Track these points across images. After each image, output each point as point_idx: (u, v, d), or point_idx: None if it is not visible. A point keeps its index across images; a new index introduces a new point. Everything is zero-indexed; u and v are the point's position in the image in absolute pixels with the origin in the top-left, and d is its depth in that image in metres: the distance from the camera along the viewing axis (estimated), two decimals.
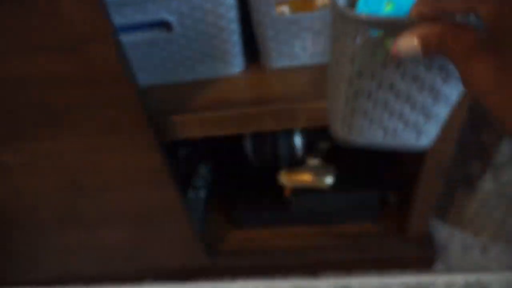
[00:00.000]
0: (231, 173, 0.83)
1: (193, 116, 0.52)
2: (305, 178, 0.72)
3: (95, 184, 0.59)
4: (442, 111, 0.31)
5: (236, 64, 0.57)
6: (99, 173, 0.57)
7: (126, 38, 0.53)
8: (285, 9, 0.52)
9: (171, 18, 0.51)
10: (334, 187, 0.72)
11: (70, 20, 0.40)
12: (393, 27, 0.24)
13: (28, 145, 0.53)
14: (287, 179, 0.74)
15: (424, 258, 0.74)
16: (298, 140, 0.73)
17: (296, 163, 0.76)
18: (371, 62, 0.27)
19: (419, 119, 0.31)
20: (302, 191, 0.74)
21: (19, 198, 0.62)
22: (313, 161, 0.73)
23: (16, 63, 0.43)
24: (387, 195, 0.74)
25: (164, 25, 0.53)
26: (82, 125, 0.50)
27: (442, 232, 0.81)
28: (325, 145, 0.76)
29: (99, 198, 0.61)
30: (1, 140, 0.53)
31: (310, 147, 0.77)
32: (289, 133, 0.71)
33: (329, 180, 0.71)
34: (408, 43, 0.23)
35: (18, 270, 0.80)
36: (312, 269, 0.76)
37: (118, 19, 0.51)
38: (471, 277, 0.73)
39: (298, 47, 0.55)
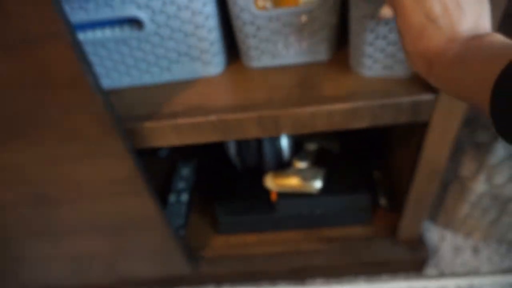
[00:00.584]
0: (214, 175, 0.79)
1: (167, 122, 0.47)
2: (292, 182, 0.68)
3: (64, 195, 0.54)
4: None
5: (215, 64, 0.52)
6: (67, 184, 0.52)
7: (92, 36, 0.48)
8: (266, 3, 0.48)
9: (141, 14, 0.45)
10: (322, 189, 0.69)
11: (17, 17, 0.34)
12: None
13: None
14: (274, 183, 0.70)
15: (415, 261, 0.72)
16: (284, 142, 0.69)
17: (282, 166, 0.72)
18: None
19: None
20: (289, 195, 0.70)
21: None
22: (301, 164, 0.70)
23: None
24: (377, 198, 0.71)
25: (135, 22, 0.47)
26: (41, 134, 0.45)
27: (433, 233, 0.79)
28: (312, 147, 0.72)
29: (70, 209, 0.56)
30: None
31: (297, 149, 0.73)
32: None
33: (318, 184, 0.68)
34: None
35: None
36: (300, 275, 0.73)
37: (81, 15, 0.46)
38: (463, 281, 0.71)
39: (281, 45, 0.50)
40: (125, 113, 0.49)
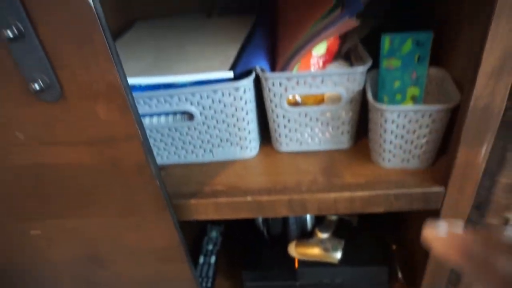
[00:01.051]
0: (240, 239, 0.84)
1: (210, 201, 0.54)
2: (314, 252, 0.73)
3: (114, 257, 0.61)
4: None
5: (250, 149, 0.60)
6: (118, 248, 0.59)
7: (149, 122, 0.57)
8: (296, 101, 0.57)
9: (193, 109, 0.55)
10: (343, 260, 0.73)
11: (104, 121, 0.44)
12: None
13: (56, 222, 0.56)
14: (297, 251, 0.75)
15: None
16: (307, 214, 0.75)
17: (305, 235, 0.78)
18: None
19: None
20: (311, 263, 0.75)
21: (42, 267, 0.64)
22: (322, 235, 0.75)
23: (55, 152, 0.47)
24: (394, 271, 0.75)
25: (187, 113, 0.57)
26: (105, 207, 0.53)
27: None
28: (333, 218, 0.78)
29: (116, 269, 0.63)
30: (33, 217, 0.56)
31: (319, 220, 0.79)
32: None
33: (338, 254, 0.72)
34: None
35: None
36: None
37: (145, 109, 0.55)
38: None
39: (307, 135, 0.58)
40: (173, 189, 0.56)
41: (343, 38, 0.57)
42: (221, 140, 0.59)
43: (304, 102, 0.58)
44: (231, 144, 0.59)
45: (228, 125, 0.57)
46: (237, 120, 0.56)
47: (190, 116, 0.57)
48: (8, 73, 0.40)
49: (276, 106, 0.55)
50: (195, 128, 0.57)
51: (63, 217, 0.55)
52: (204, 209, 0.55)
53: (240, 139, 0.58)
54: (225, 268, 0.84)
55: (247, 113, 0.56)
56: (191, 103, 0.54)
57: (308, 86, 0.53)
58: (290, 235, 0.78)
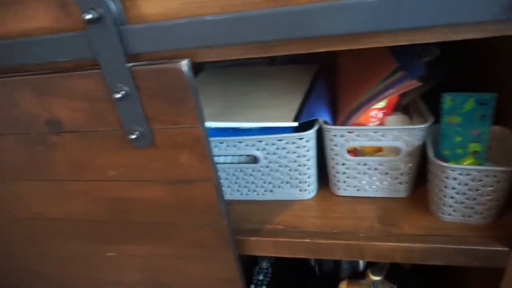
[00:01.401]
0: (291, 272, 0.87)
1: (270, 239, 0.58)
2: None
3: (176, 284, 0.66)
4: None
5: (309, 191, 0.64)
6: (180, 276, 0.64)
7: (216, 160, 0.63)
8: (355, 149, 0.60)
9: (259, 154, 0.60)
10: None
11: (185, 166, 0.49)
12: None
13: (130, 248, 0.63)
14: None
15: None
16: None
17: (357, 275, 0.78)
18: None
19: None
20: None
21: (114, 285, 0.71)
22: (375, 277, 0.76)
23: (139, 188, 0.54)
24: None
25: (252, 157, 0.62)
26: (175, 238, 0.59)
27: None
28: (385, 262, 0.78)
29: None
30: (111, 240, 0.63)
31: (372, 262, 0.79)
32: None
33: None
34: None
35: None
36: None
37: (215, 150, 0.61)
38: None
39: (365, 182, 0.61)
40: (235, 225, 0.61)
41: (403, 92, 0.59)
42: (281, 182, 0.63)
43: (363, 151, 0.60)
44: (291, 186, 0.63)
45: (289, 169, 0.61)
46: (299, 165, 0.60)
47: (255, 159, 0.62)
48: (112, 124, 0.48)
49: (336, 154, 0.58)
50: (258, 170, 0.62)
51: (137, 244, 0.62)
52: (263, 246, 0.59)
53: (300, 182, 0.62)
54: None
55: (308, 160, 0.60)
56: (257, 148, 0.59)
57: (368, 139, 0.56)
58: (341, 274, 0.79)
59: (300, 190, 0.63)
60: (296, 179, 0.62)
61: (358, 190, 0.62)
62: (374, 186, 0.61)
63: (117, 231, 0.61)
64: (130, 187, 0.54)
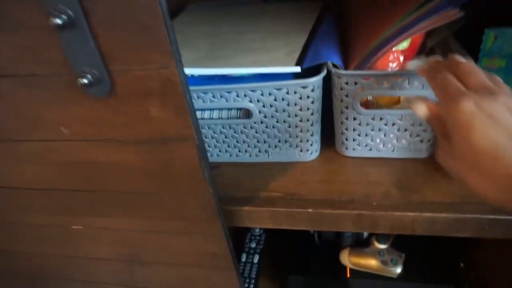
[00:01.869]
0: (286, 240, 0.79)
1: (265, 209, 0.49)
2: (371, 263, 0.67)
3: (156, 260, 0.57)
4: None
5: (311, 151, 0.53)
6: (161, 251, 0.55)
7: (201, 115, 0.52)
8: (367, 101, 0.49)
9: (252, 107, 0.49)
10: (403, 275, 0.66)
11: (157, 121, 0.38)
12: None
13: (99, 220, 0.53)
14: (350, 260, 0.69)
15: None
16: None
17: (360, 243, 0.71)
18: None
19: None
20: (365, 275, 0.68)
21: (82, 261, 0.62)
22: (380, 245, 0.68)
23: (101, 150, 0.43)
24: None
25: (244, 111, 0.51)
26: (152, 210, 0.49)
27: None
28: None
29: (157, 271, 0.59)
30: (77, 212, 0.53)
31: None
32: None
33: (398, 269, 0.65)
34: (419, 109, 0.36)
35: None
36: None
37: (198, 102, 0.50)
38: None
39: (379, 140, 0.51)
40: (224, 193, 0.51)
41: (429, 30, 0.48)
42: (279, 141, 0.52)
43: (377, 103, 0.50)
44: (290, 145, 0.53)
45: (289, 125, 0.50)
46: (301, 120, 0.49)
47: (247, 113, 0.51)
48: (56, 65, 0.35)
49: (347, 107, 0.48)
50: (251, 127, 0.51)
51: (106, 216, 0.52)
52: (258, 218, 0.50)
53: (301, 140, 0.52)
54: (269, 270, 0.80)
55: (312, 113, 0.49)
56: (250, 100, 0.48)
57: (389, 87, 0.45)
58: (343, 242, 0.71)
59: (301, 150, 0.53)
60: (297, 137, 0.51)
61: (370, 149, 0.52)
62: (389, 145, 0.51)
63: (80, 202, 0.51)
64: (89, 148, 0.43)
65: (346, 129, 0.51)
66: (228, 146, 0.55)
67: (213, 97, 0.49)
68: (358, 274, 0.69)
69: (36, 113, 0.41)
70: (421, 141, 0.49)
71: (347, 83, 0.46)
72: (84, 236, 0.57)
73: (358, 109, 0.48)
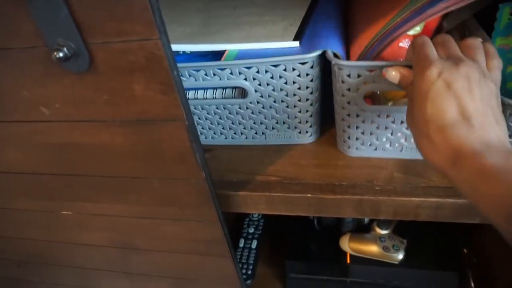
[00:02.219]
0: (285, 225, 0.77)
1: (261, 194, 0.46)
2: (372, 249, 0.65)
3: (149, 246, 0.55)
4: None
5: (310, 133, 0.50)
6: (155, 238, 0.53)
7: (193, 96, 0.49)
8: (373, 99, 0.45)
9: (248, 85, 0.45)
10: (404, 261, 0.64)
11: (143, 101, 0.35)
12: None
13: (87, 205, 0.50)
14: (350, 246, 0.67)
15: None
16: None
17: (361, 229, 0.69)
18: None
19: None
20: (366, 261, 0.66)
21: (74, 248, 0.60)
22: (381, 231, 0.66)
23: (84, 131, 0.40)
24: (465, 279, 0.65)
25: (239, 88, 0.47)
26: (141, 195, 0.46)
27: None
28: None
29: (151, 257, 0.58)
30: (64, 197, 0.50)
31: None
32: None
33: (399, 255, 0.63)
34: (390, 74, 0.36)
35: None
36: None
37: (190, 81, 0.46)
38: None
39: (385, 139, 0.46)
40: (218, 176, 0.48)
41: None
42: (276, 122, 0.49)
43: (383, 97, 0.46)
44: (288, 127, 0.50)
45: (287, 105, 0.47)
46: (299, 99, 0.46)
47: (243, 93, 0.47)
48: (29, 37, 0.32)
49: (349, 103, 0.43)
50: (247, 107, 0.48)
51: (95, 201, 0.49)
52: (254, 203, 0.47)
53: (299, 121, 0.49)
54: (267, 255, 0.78)
55: (311, 92, 0.45)
56: (245, 78, 0.45)
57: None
58: (343, 227, 0.69)
59: (299, 132, 0.50)
60: (296, 118, 0.48)
61: (375, 149, 0.47)
62: (397, 145, 0.46)
63: (67, 187, 0.48)
64: (72, 130, 0.40)
65: (349, 127, 0.45)
66: (223, 128, 0.52)
67: (206, 75, 0.45)
68: (359, 260, 0.67)
69: (13, 92, 0.38)
70: None
71: (349, 76, 0.40)
72: (74, 222, 0.55)
73: (362, 105, 0.42)
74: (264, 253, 0.78)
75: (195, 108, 0.50)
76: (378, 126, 0.44)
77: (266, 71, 0.43)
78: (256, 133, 0.51)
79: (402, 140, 0.45)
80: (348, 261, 0.67)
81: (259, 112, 0.48)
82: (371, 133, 0.45)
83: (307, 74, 0.43)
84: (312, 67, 0.43)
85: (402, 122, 0.43)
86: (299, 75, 0.43)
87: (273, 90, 0.45)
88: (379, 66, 0.38)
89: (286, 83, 0.44)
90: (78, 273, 0.67)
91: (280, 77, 0.44)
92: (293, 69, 0.43)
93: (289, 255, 0.70)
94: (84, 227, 0.55)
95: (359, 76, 0.40)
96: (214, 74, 0.45)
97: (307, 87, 0.45)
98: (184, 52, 0.47)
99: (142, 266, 0.60)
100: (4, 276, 0.74)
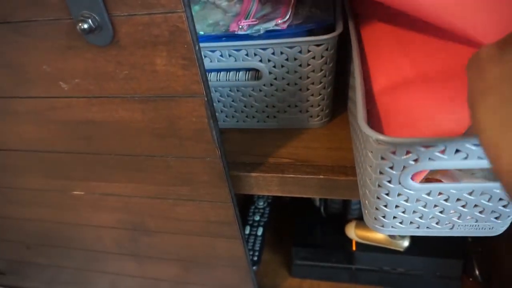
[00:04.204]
0: (292, 212, 0.78)
1: (275, 175, 0.47)
2: (377, 237, 0.65)
3: (160, 228, 0.56)
4: None
5: (322, 117, 0.51)
6: (166, 218, 0.53)
7: (209, 78, 0.49)
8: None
9: (261, 66, 0.46)
10: (410, 248, 0.65)
11: (164, 75, 0.36)
12: None
13: (100, 185, 0.51)
14: (356, 233, 0.67)
15: None
16: None
17: None
18: None
19: None
20: (371, 248, 0.67)
21: (84, 229, 0.60)
22: None
23: (103, 107, 0.40)
24: (469, 267, 0.66)
25: (252, 70, 0.48)
26: (156, 175, 0.47)
27: None
28: None
29: (162, 239, 0.58)
30: (76, 178, 0.51)
31: None
32: None
33: (405, 243, 0.64)
34: None
35: None
36: None
37: (206, 62, 0.47)
38: None
39: (433, 217, 0.38)
40: (231, 158, 0.49)
41: None
42: (289, 105, 0.50)
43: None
44: (300, 110, 0.50)
45: (300, 88, 0.47)
46: (313, 82, 0.47)
47: (256, 74, 0.48)
48: (53, 9, 0.32)
49: (390, 181, 0.33)
50: (260, 90, 0.49)
51: (108, 181, 0.50)
52: (266, 184, 0.48)
53: (312, 105, 0.49)
54: (273, 242, 0.79)
55: (325, 75, 0.46)
56: (261, 59, 0.45)
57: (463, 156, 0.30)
58: (349, 214, 0.70)
59: (311, 116, 0.51)
60: (308, 101, 0.49)
61: (417, 227, 0.39)
62: (447, 222, 0.38)
63: (81, 165, 0.49)
64: (90, 106, 0.40)
65: (385, 206, 0.36)
66: (235, 111, 0.52)
67: (221, 56, 0.46)
68: (364, 247, 0.68)
69: (34, 66, 0.38)
70: (497, 217, 0.37)
71: (394, 153, 0.30)
72: (85, 202, 0.55)
73: (408, 185, 0.33)
74: (270, 240, 0.79)
75: None
76: (425, 205, 0.36)
77: (282, 53, 0.44)
78: (268, 117, 0.52)
79: (455, 218, 0.37)
80: (354, 248, 0.68)
81: (272, 95, 0.49)
82: (414, 212, 0.37)
83: (322, 57, 0.44)
84: (327, 49, 0.43)
85: (458, 199, 0.35)
86: (313, 57, 0.44)
87: (287, 72, 0.46)
88: (440, 143, 0.29)
89: (300, 65, 0.45)
90: (86, 255, 0.68)
91: (295, 59, 0.44)
92: (308, 51, 0.43)
93: (295, 242, 0.71)
94: (96, 207, 0.56)
95: (408, 153, 0.30)
96: (230, 55, 0.46)
97: (321, 70, 0.45)
98: (199, 33, 0.47)
99: (152, 248, 0.60)
100: (13, 259, 0.75)
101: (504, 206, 0.35)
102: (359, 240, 0.68)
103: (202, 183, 0.46)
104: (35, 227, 0.64)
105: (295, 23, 0.45)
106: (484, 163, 0.30)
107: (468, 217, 0.37)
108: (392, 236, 0.65)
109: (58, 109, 0.42)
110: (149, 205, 0.52)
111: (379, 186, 0.34)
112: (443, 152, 0.29)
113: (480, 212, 0.36)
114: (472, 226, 0.38)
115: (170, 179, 0.47)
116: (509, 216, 0.37)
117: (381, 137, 0.29)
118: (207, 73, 0.49)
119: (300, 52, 0.44)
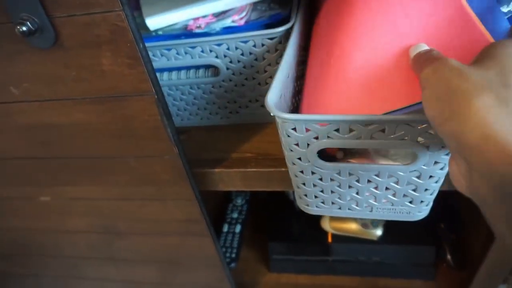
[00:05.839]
0: (268, 208, 0.78)
1: (237, 170, 0.47)
2: (351, 227, 0.66)
3: (130, 229, 0.56)
4: None
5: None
6: (135, 220, 0.53)
7: (167, 77, 0.49)
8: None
9: (219, 63, 0.46)
10: (383, 237, 0.66)
11: (111, 76, 0.36)
12: None
13: (66, 189, 0.51)
14: (331, 226, 0.68)
15: None
16: None
17: None
18: None
19: None
20: (346, 239, 0.68)
21: (56, 235, 0.60)
22: None
23: (57, 110, 0.40)
24: (442, 253, 0.67)
25: (211, 67, 0.48)
26: (118, 177, 0.47)
27: None
28: None
29: (133, 241, 0.58)
30: (40, 183, 0.50)
31: None
32: None
33: (378, 232, 0.65)
34: None
35: None
36: None
37: (162, 61, 0.47)
38: None
39: (351, 198, 0.39)
40: (194, 155, 0.49)
41: None
42: (250, 100, 0.50)
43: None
44: (261, 104, 0.51)
45: (259, 83, 0.48)
46: (270, 76, 0.47)
47: (215, 71, 0.48)
48: None
49: (300, 159, 0.35)
50: (220, 86, 0.49)
51: (73, 185, 0.50)
52: (230, 179, 0.48)
53: None
54: (251, 239, 0.79)
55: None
56: (216, 55, 0.45)
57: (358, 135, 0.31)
58: None
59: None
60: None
61: (339, 208, 0.40)
62: (365, 205, 0.39)
63: (44, 170, 0.48)
64: (43, 109, 0.40)
65: (304, 184, 0.38)
66: (198, 109, 0.53)
67: (177, 53, 0.46)
68: (340, 238, 0.68)
69: None
70: (411, 201, 0.38)
71: (294, 129, 0.32)
72: (54, 208, 0.55)
73: (316, 162, 0.34)
74: (248, 237, 0.79)
75: (169, 89, 0.51)
76: (340, 185, 0.37)
77: (236, 48, 0.44)
78: (230, 113, 0.52)
79: (371, 201, 0.38)
80: (330, 240, 0.69)
81: (232, 91, 0.49)
82: (332, 192, 0.38)
83: (276, 50, 0.44)
84: (281, 42, 0.44)
85: (369, 181, 0.36)
86: (268, 51, 0.44)
87: (244, 67, 0.46)
88: (333, 121, 0.30)
89: (256, 59, 0.45)
90: (64, 262, 0.67)
91: (250, 53, 0.45)
92: (262, 45, 0.44)
93: (271, 237, 0.71)
94: (65, 213, 0.55)
95: (307, 130, 0.31)
96: (186, 53, 0.46)
97: (277, 63, 0.46)
98: (156, 33, 0.47)
99: (126, 251, 0.60)
100: None
101: (413, 190, 0.36)
102: (334, 232, 0.68)
103: (165, 182, 0.47)
104: (8, 237, 0.64)
105: (252, 19, 0.45)
106: (375, 144, 0.31)
107: (384, 200, 0.38)
108: (365, 225, 0.65)
109: (13, 115, 0.42)
110: (117, 207, 0.52)
111: (293, 164, 0.36)
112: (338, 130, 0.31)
113: (393, 195, 0.37)
114: (390, 210, 0.39)
115: (134, 180, 0.47)
116: (422, 202, 0.37)
117: (280, 114, 0.31)
118: (168, 72, 0.49)
119: (254, 46, 0.44)
